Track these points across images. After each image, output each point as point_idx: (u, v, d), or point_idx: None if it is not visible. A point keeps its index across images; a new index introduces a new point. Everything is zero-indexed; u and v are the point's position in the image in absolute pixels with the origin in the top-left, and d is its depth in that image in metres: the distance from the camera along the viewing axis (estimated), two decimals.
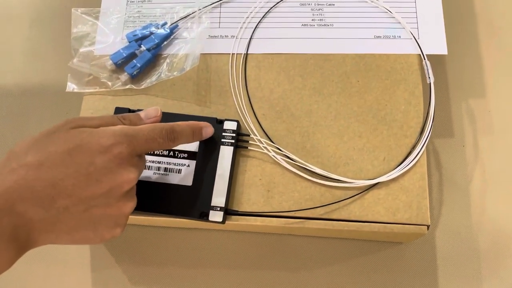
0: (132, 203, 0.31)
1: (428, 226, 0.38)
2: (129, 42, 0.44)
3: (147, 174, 0.39)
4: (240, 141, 0.41)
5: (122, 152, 0.29)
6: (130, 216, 0.39)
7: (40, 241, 0.28)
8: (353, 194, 0.39)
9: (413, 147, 0.40)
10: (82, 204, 0.28)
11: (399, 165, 0.39)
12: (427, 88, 0.42)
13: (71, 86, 0.43)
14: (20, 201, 0.26)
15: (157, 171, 0.39)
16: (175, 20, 0.45)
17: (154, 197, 0.39)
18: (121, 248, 0.45)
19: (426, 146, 0.40)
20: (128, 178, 0.30)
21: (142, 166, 0.33)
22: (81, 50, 0.44)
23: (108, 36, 0.45)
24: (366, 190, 0.39)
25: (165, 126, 0.33)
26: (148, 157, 0.39)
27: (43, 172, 0.27)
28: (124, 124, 0.32)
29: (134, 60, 0.43)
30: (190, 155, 0.39)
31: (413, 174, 0.39)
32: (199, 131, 0.36)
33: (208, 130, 0.38)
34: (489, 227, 0.44)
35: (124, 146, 0.29)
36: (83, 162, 0.28)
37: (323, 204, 0.39)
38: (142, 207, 0.38)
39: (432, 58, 0.43)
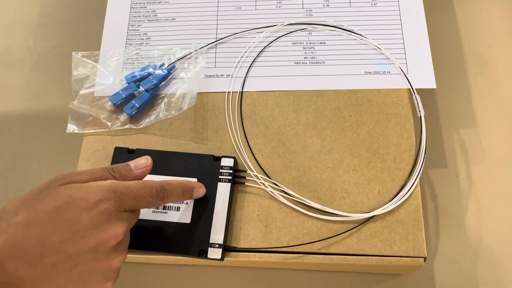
0: (121, 257, 0.31)
1: (425, 258, 0.38)
2: (128, 83, 0.45)
3: (146, 212, 0.40)
4: (237, 177, 0.41)
5: (109, 208, 0.30)
6: (129, 255, 0.40)
7: None
8: (350, 228, 0.39)
9: (407, 180, 0.41)
10: (70, 260, 0.28)
11: (393, 197, 0.40)
12: (418, 121, 0.43)
13: (72, 127, 0.45)
14: (9, 259, 0.27)
15: (156, 209, 0.40)
16: (172, 61, 0.47)
17: (153, 236, 0.39)
18: (121, 286, 0.45)
19: (420, 178, 0.41)
20: (115, 233, 0.30)
21: (134, 219, 0.33)
22: (81, 92, 0.46)
23: (107, 78, 0.47)
24: (362, 223, 0.39)
25: (155, 185, 0.33)
26: None
27: (31, 230, 0.28)
28: (114, 177, 0.33)
29: (133, 101, 0.44)
30: None
31: (408, 206, 0.40)
32: (190, 192, 0.37)
33: (200, 191, 0.38)
34: (487, 256, 0.45)
35: (111, 202, 0.30)
36: (70, 219, 0.28)
37: (321, 239, 0.39)
38: (142, 246, 0.39)
39: (422, 91, 0.44)
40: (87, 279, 0.30)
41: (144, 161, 0.35)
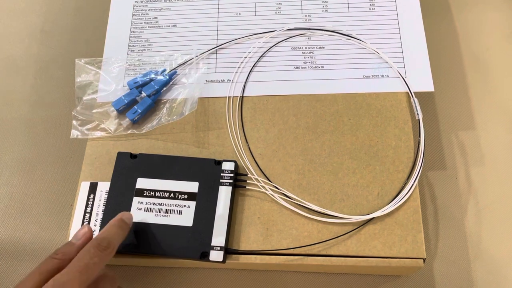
0: None
1: (424, 259, 0.38)
2: (130, 89, 0.46)
3: (148, 216, 0.40)
4: (238, 180, 0.42)
5: None
6: (131, 258, 0.40)
7: None
8: (350, 230, 0.40)
9: (406, 182, 0.41)
10: None
11: (392, 199, 0.41)
12: (416, 124, 0.44)
13: (75, 133, 0.45)
14: None
15: (158, 213, 0.40)
16: (173, 66, 0.47)
17: (155, 239, 0.40)
18: None
19: (420, 180, 0.41)
20: None
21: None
22: (85, 98, 0.47)
23: (110, 84, 0.47)
24: (362, 225, 0.40)
25: (92, 243, 0.34)
26: (150, 200, 0.41)
27: None
28: (58, 259, 0.33)
29: (135, 106, 0.45)
30: (190, 196, 0.41)
31: (407, 208, 0.40)
32: (121, 222, 0.37)
33: (126, 215, 0.38)
34: (486, 257, 0.45)
35: None
36: None
37: (321, 241, 0.39)
38: (144, 249, 0.39)
39: (421, 94, 0.45)
40: None
41: (83, 230, 0.36)
